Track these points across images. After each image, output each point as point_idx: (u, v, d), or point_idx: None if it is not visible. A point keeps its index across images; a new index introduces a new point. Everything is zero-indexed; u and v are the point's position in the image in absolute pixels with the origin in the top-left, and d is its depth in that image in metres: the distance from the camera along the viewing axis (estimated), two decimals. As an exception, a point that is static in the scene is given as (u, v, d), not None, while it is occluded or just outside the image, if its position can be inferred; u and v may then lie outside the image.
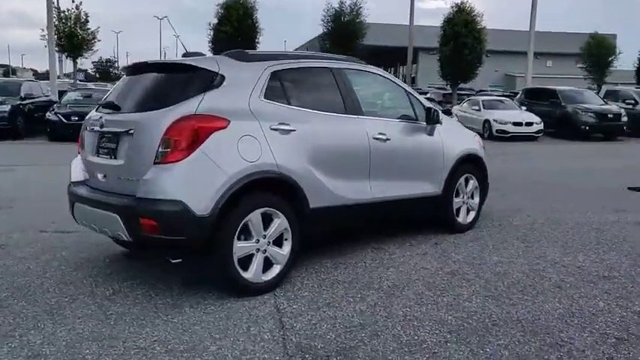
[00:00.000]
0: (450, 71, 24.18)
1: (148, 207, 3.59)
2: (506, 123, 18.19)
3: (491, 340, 3.21)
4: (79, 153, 4.54)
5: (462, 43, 23.24)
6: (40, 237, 5.50)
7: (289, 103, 4.23)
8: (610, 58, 30.07)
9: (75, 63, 26.47)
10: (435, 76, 28.61)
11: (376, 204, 4.81)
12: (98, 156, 4.13)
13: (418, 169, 5.25)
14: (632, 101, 20.80)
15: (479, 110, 19.42)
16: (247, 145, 3.83)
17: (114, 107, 4.14)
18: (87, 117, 4.54)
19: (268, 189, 3.96)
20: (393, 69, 51.87)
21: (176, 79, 4.00)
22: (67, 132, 16.24)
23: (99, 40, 26.45)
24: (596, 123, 18.68)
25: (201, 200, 3.61)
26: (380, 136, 4.79)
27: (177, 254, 3.79)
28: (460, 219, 5.76)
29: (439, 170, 5.43)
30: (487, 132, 18.30)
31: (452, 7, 24.50)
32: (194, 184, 3.62)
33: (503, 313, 3.61)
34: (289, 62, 4.41)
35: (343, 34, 25.46)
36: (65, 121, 16.28)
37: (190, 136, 3.61)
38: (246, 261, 3.87)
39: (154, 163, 3.62)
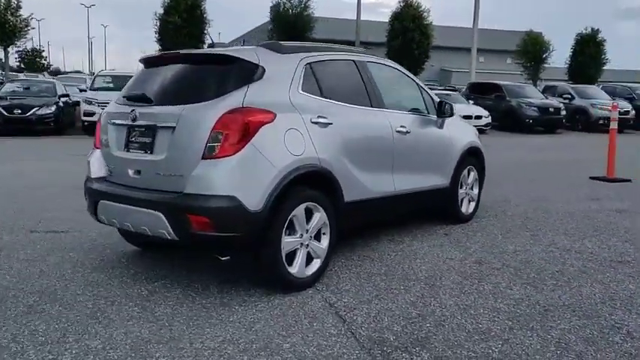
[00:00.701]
0: (399, 66, 24.54)
1: (199, 203, 3.46)
2: (456, 116, 18.74)
3: (552, 325, 3.33)
4: (96, 148, 4.30)
5: (410, 38, 23.72)
6: (34, 238, 5.18)
7: (323, 96, 4.19)
8: (544, 55, 31.68)
9: (6, 52, 24.88)
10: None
11: (398, 197, 4.86)
12: (128, 151, 3.93)
13: (432, 162, 5.35)
14: (569, 96, 22.04)
15: (429, 104, 19.87)
16: (292, 139, 3.77)
17: (144, 100, 3.94)
18: (106, 109, 4.32)
19: (310, 183, 3.91)
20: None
21: (215, 71, 3.86)
22: (8, 126, 15.33)
23: (32, 28, 25.00)
24: (539, 116, 19.67)
25: (254, 195, 3.52)
26: (401, 129, 4.85)
27: (226, 252, 3.68)
28: (463, 209, 5.92)
29: (448, 163, 5.56)
30: (439, 125, 18.79)
31: (400, 2, 24.97)
32: (246, 179, 3.52)
33: (547, 299, 3.76)
34: (320, 54, 4.36)
35: (291, 28, 25.37)
36: (7, 114, 15.33)
37: (241, 130, 3.50)
38: (291, 256, 3.82)
39: (203, 158, 3.49)
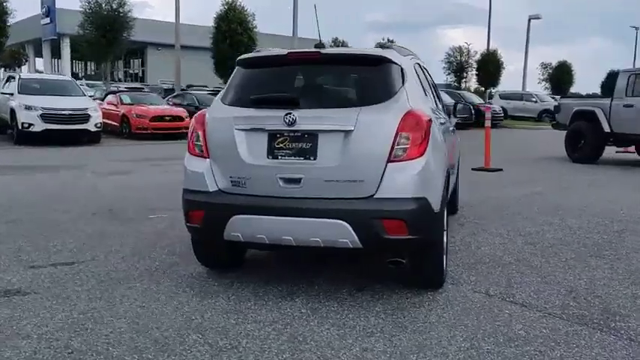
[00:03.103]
0: (226, 72, 24.19)
1: (395, 207, 3.36)
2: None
3: (673, 281, 4.05)
4: (205, 157, 3.75)
5: (237, 41, 23.69)
6: (53, 272, 4.23)
7: (427, 97, 4.31)
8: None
9: None
10: (165, 73, 32.82)
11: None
12: (276, 158, 3.55)
13: (454, 159, 5.79)
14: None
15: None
16: (441, 139, 3.88)
17: (293, 103, 3.59)
18: (220, 114, 3.80)
19: None
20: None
21: (372, 72, 3.75)
22: None
23: None
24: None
25: (436, 196, 3.56)
26: (451, 128, 5.19)
27: (404, 255, 3.62)
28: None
29: (457, 159, 6.07)
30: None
31: (223, 4, 24.79)
32: (430, 180, 3.53)
33: (632, 266, 4.47)
34: (412, 56, 4.46)
35: (109, 26, 23.52)
36: None
37: (423, 131, 3.49)
38: (439, 253, 3.90)
39: (389, 161, 3.40)
